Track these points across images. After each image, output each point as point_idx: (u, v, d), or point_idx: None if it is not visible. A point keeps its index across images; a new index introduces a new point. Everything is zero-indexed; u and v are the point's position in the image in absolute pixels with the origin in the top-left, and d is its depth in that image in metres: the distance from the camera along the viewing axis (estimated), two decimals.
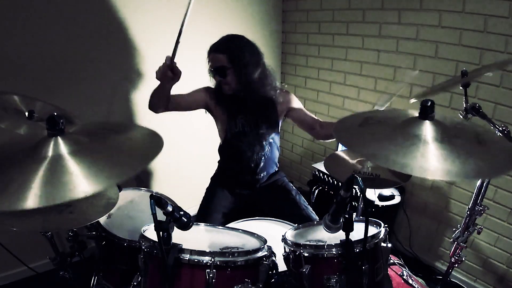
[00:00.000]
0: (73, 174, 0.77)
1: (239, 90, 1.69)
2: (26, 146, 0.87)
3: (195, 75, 2.53)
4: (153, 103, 1.63)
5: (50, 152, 0.82)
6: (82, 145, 0.87)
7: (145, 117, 2.46)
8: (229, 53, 1.61)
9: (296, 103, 1.84)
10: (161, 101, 1.60)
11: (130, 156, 0.91)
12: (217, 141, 1.99)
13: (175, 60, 1.40)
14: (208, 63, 1.70)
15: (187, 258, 0.98)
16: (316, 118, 1.83)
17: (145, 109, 2.42)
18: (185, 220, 0.96)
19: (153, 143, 0.97)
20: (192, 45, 2.50)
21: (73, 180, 0.76)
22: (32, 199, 0.70)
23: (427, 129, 1.00)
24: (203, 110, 1.86)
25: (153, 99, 1.61)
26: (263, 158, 1.81)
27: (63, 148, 0.84)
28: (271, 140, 1.83)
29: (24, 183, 0.73)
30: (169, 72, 1.41)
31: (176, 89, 2.57)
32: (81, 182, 0.75)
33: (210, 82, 1.81)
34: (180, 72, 1.46)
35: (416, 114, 1.02)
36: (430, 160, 0.90)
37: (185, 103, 1.77)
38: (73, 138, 0.89)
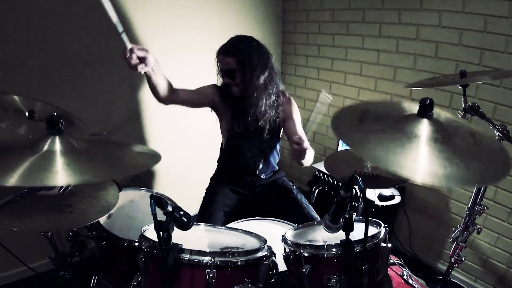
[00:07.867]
0: (58, 167, 0.85)
1: (246, 93, 1.68)
2: (26, 142, 0.95)
3: (198, 75, 2.54)
4: (152, 93, 1.57)
5: (45, 148, 0.90)
6: (78, 147, 0.94)
7: (145, 118, 2.46)
8: (238, 56, 1.60)
9: (294, 114, 1.82)
10: (154, 90, 1.54)
11: (118, 164, 0.98)
12: (217, 141, 1.99)
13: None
14: (217, 64, 1.70)
15: (187, 258, 0.98)
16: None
17: (145, 109, 2.44)
18: (185, 220, 0.97)
19: (146, 160, 1.05)
20: (192, 45, 2.52)
21: (55, 170, 0.83)
22: (15, 178, 0.77)
23: (424, 128, 1.00)
24: (207, 109, 1.85)
25: (150, 88, 1.56)
26: (262, 160, 1.82)
27: (58, 146, 0.91)
28: (271, 145, 1.83)
29: (13, 166, 0.81)
30: (132, 60, 1.35)
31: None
32: (62, 174, 0.83)
33: (217, 82, 1.80)
34: (145, 52, 1.36)
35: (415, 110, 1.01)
36: (426, 165, 0.88)
37: (191, 98, 1.75)
38: (71, 140, 0.95)
